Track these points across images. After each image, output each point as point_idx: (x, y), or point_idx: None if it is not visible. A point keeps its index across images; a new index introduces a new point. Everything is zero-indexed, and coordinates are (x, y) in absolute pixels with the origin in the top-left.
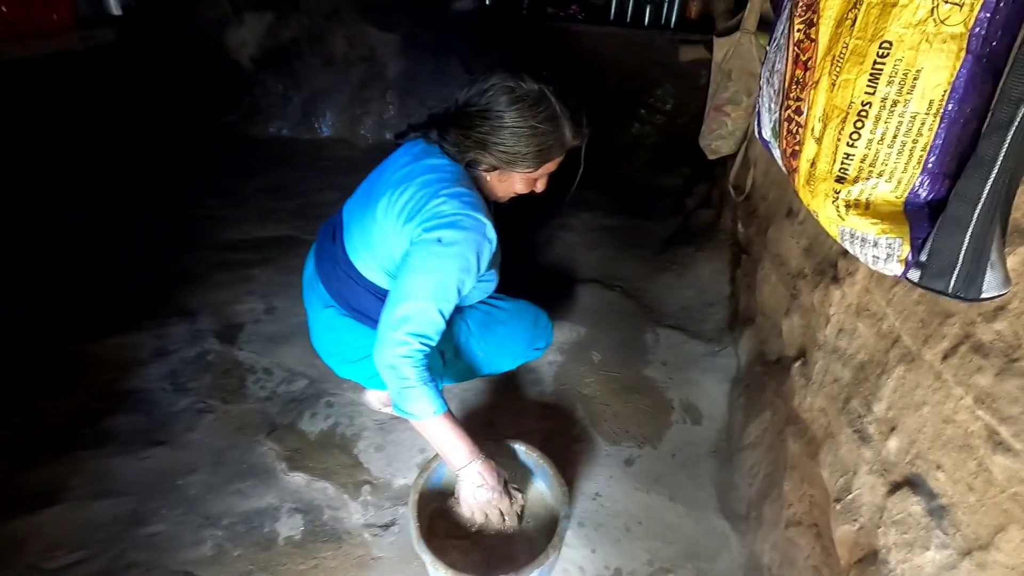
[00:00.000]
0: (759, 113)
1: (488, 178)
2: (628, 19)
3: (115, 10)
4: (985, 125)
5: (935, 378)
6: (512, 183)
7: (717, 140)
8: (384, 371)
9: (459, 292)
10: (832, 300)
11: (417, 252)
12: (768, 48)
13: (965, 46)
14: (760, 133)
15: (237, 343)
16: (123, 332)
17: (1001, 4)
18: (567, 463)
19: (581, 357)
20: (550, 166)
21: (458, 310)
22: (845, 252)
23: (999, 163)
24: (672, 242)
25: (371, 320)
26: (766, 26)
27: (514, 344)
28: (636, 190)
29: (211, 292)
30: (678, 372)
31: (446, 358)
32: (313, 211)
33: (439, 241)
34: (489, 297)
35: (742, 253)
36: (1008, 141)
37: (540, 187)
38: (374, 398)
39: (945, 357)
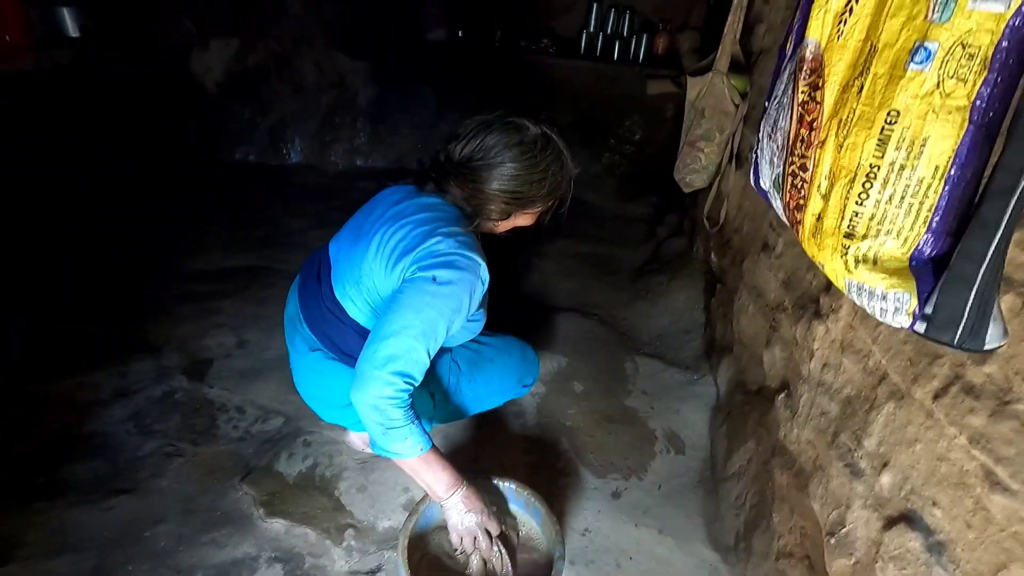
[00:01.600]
0: (757, 164)
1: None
2: (598, 53)
3: (72, 32)
4: (984, 188)
5: (927, 416)
6: (517, 221)
7: (691, 174)
8: (366, 411)
9: (447, 332)
10: (816, 335)
11: (410, 289)
12: (768, 104)
13: (968, 117)
14: (758, 183)
15: (206, 380)
16: (81, 371)
17: (999, 79)
18: (554, 498)
19: (563, 388)
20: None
21: (446, 350)
22: (828, 287)
23: (1003, 226)
24: (645, 270)
25: (344, 352)
26: (736, 67)
27: (502, 382)
28: (608, 218)
29: (177, 326)
30: (659, 401)
31: (436, 400)
32: (281, 239)
33: (434, 280)
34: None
35: (716, 282)
36: (1012, 206)
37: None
38: (357, 439)
39: (936, 397)
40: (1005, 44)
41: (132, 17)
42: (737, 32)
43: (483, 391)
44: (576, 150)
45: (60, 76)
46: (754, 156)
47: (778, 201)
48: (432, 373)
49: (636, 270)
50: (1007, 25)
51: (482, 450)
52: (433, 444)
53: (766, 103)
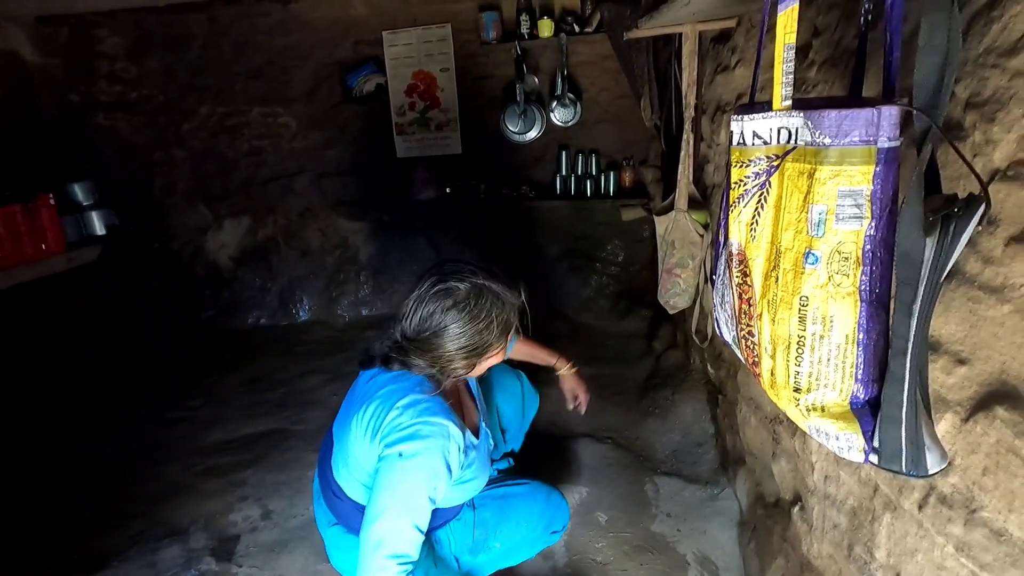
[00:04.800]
0: (717, 321)
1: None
2: (572, 193)
3: (99, 230)
4: (890, 349)
5: (918, 526)
6: (487, 363)
7: (673, 297)
8: None
9: (432, 500)
10: (811, 448)
11: (382, 471)
12: (715, 277)
13: (859, 297)
14: (722, 335)
15: (234, 559)
16: (108, 565)
17: (873, 269)
18: None
19: (588, 520)
20: (506, 342)
21: (467, 504)
22: None
23: (907, 377)
24: (649, 386)
25: (351, 525)
26: (695, 203)
27: (529, 530)
28: (606, 337)
29: (201, 503)
30: (684, 522)
31: (461, 563)
32: (297, 398)
33: (400, 456)
34: (496, 484)
35: (717, 393)
36: (908, 363)
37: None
38: None
39: (920, 507)
40: (869, 247)
41: (154, 210)
42: (689, 176)
43: (509, 542)
44: (566, 277)
45: (88, 271)
46: (715, 315)
47: (740, 354)
48: (455, 531)
49: (641, 386)
50: (865, 235)
51: None
52: None
53: (714, 276)
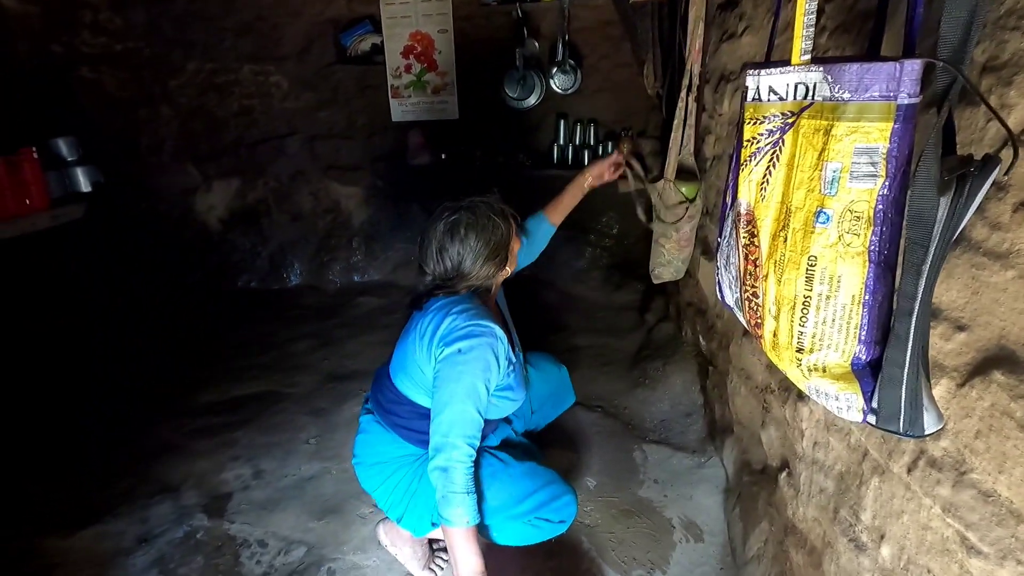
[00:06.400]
0: (720, 284)
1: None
2: (570, 163)
3: (84, 187)
4: (895, 309)
5: (906, 488)
6: (514, 248)
7: (658, 267)
8: (435, 474)
9: (487, 390)
10: (802, 416)
11: (445, 366)
12: (720, 240)
13: (867, 258)
14: (723, 299)
15: (226, 515)
16: (99, 520)
17: (883, 229)
18: None
19: (577, 484)
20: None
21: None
22: None
23: (911, 339)
24: (640, 357)
25: (393, 418)
26: (684, 173)
27: (506, 498)
28: (598, 309)
29: (193, 462)
30: (671, 488)
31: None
32: (287, 362)
33: (459, 352)
34: (512, 447)
35: (708, 364)
36: (913, 324)
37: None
38: (383, 532)
39: (909, 470)
40: (881, 207)
41: (140, 169)
42: (682, 145)
43: (491, 504)
44: (561, 247)
45: (73, 230)
46: (717, 279)
47: (742, 317)
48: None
49: (632, 358)
50: (878, 195)
51: (502, 559)
52: (475, 525)
53: (719, 239)
